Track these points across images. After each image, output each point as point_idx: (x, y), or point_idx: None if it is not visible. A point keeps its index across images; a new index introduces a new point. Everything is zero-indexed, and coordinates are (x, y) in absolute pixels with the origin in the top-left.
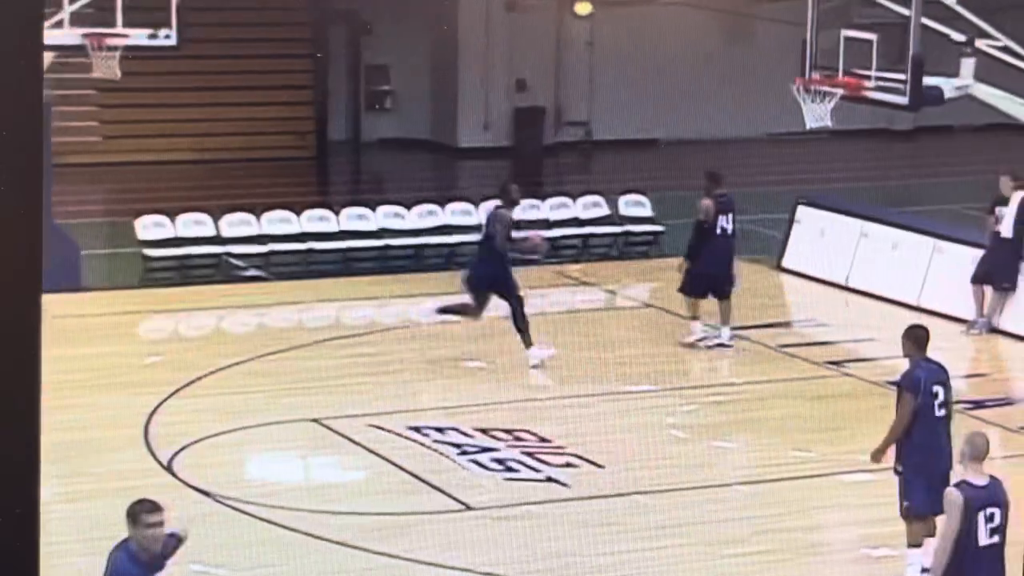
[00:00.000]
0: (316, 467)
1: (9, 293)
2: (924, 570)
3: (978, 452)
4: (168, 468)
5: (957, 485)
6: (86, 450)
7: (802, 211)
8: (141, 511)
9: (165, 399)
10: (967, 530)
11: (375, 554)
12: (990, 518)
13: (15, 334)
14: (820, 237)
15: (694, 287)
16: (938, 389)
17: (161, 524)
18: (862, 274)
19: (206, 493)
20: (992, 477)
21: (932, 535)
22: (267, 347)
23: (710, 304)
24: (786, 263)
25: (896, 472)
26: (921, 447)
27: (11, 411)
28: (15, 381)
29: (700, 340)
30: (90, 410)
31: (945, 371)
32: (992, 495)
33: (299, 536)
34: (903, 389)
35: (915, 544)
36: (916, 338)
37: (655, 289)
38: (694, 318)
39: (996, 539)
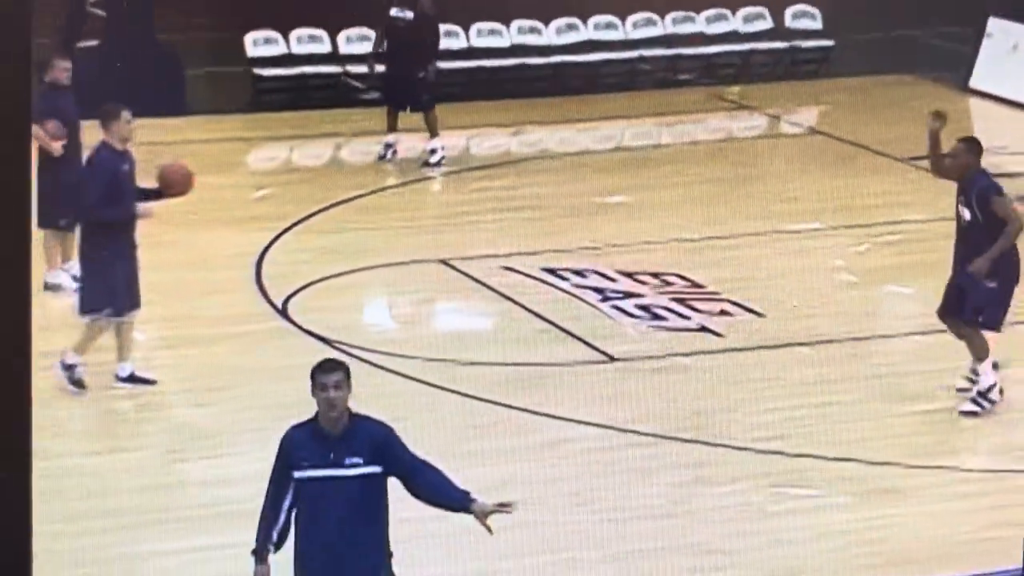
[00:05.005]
0: (443, 312)
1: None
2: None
3: None
4: (283, 312)
5: None
6: (190, 292)
7: (994, 23)
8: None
9: (277, 236)
10: None
11: (507, 407)
12: None
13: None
14: (1013, 53)
15: None
16: None
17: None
18: None
19: (325, 340)
20: None
21: None
22: (389, 180)
23: None
24: (974, 83)
25: (986, 285)
26: (1011, 260)
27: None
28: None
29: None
30: (194, 248)
31: None
32: None
33: (424, 387)
34: (998, 196)
35: (984, 357)
36: (978, 145)
37: (823, 113)
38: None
39: None
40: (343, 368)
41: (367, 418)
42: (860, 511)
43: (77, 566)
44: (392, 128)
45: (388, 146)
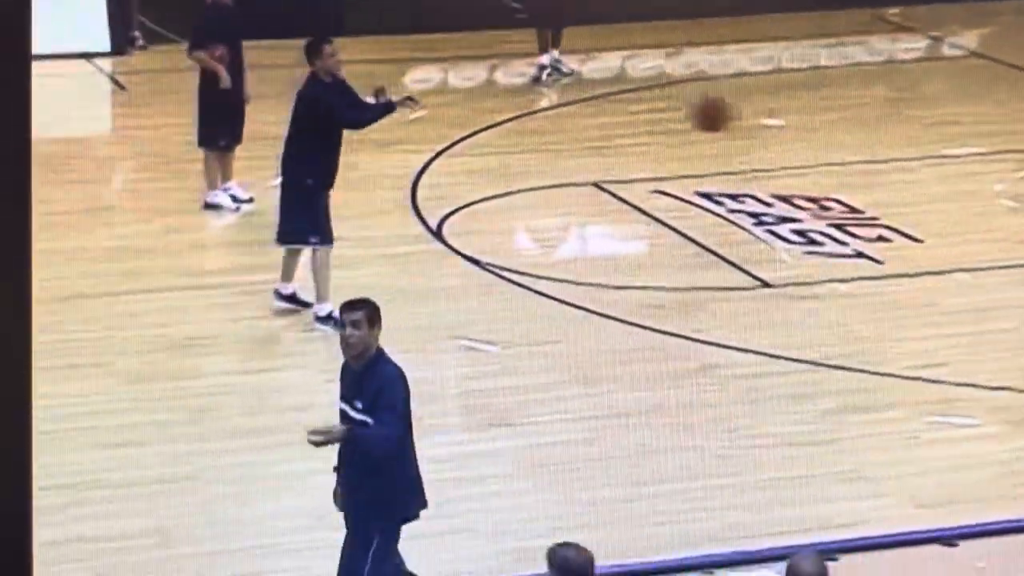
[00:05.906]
0: (596, 236)
1: None
2: None
3: None
4: (437, 234)
5: None
6: (345, 213)
7: None
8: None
9: (432, 159)
10: None
11: (660, 333)
12: None
13: None
14: None
15: None
16: None
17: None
18: None
19: (477, 262)
20: None
21: None
22: (544, 102)
23: None
24: None
25: None
26: None
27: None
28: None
29: None
30: (349, 168)
31: None
32: None
33: (576, 311)
34: None
35: None
36: None
37: (986, 36)
38: None
39: None
40: (366, 307)
41: (386, 365)
42: (1014, 441)
43: (232, 483)
44: (544, 49)
45: (542, 68)
